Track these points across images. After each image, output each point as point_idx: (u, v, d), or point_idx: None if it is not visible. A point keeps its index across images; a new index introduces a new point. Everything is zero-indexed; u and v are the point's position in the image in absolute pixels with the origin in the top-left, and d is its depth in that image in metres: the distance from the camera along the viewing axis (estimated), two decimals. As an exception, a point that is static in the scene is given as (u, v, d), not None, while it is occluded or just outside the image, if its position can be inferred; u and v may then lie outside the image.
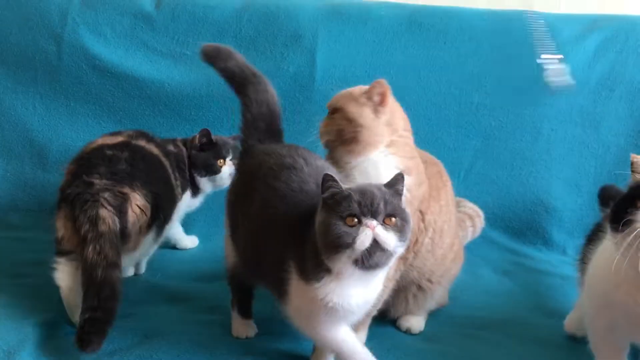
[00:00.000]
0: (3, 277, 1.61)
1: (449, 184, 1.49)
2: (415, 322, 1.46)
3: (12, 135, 2.10)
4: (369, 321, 1.36)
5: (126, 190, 1.45)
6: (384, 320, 1.47)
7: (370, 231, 1.04)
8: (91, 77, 2.10)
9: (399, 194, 1.11)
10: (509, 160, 2.08)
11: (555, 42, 2.03)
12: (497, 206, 2.05)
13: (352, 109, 1.32)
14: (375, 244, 1.05)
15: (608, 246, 1.13)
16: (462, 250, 1.54)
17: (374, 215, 1.05)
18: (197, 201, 1.88)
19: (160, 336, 1.34)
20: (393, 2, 2.23)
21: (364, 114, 1.31)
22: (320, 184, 1.09)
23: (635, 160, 1.11)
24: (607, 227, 1.10)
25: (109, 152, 1.54)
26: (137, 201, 1.47)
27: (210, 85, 2.09)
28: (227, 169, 1.82)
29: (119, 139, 1.63)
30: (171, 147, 1.79)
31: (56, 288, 1.48)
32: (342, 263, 1.07)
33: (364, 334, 1.37)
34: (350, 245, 1.04)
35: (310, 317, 1.15)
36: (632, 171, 1.11)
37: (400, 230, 1.07)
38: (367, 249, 1.05)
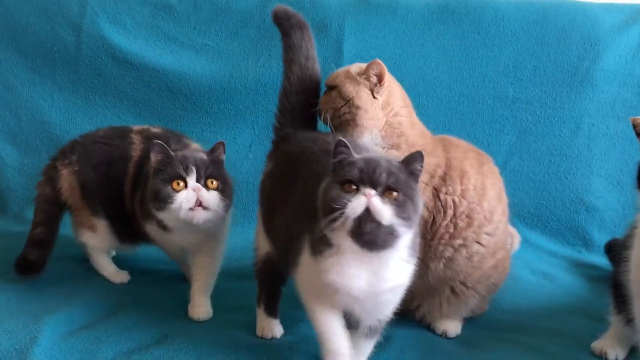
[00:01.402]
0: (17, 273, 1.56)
1: (492, 177, 1.39)
2: (452, 326, 1.40)
3: (30, 128, 2.07)
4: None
5: (58, 164, 1.61)
6: (420, 324, 1.42)
7: (364, 199, 1.01)
8: (111, 68, 2.06)
9: (412, 172, 1.06)
10: (547, 157, 1.99)
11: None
12: (533, 205, 1.97)
13: (349, 88, 1.32)
14: (368, 214, 1.00)
15: None
16: (507, 262, 1.45)
17: (373, 185, 1.02)
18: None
19: (182, 336, 1.29)
20: (424, -9, 2.16)
21: (362, 95, 1.31)
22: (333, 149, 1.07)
23: (638, 121, 1.07)
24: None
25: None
26: (65, 175, 1.59)
27: (232, 77, 2.05)
28: (186, 195, 1.31)
29: (130, 127, 1.65)
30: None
31: (71, 284, 1.53)
32: (337, 232, 1.03)
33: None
34: (341, 209, 1.01)
35: (311, 288, 1.13)
36: (638, 133, 1.07)
37: (401, 206, 1.02)
38: (358, 218, 1.00)
